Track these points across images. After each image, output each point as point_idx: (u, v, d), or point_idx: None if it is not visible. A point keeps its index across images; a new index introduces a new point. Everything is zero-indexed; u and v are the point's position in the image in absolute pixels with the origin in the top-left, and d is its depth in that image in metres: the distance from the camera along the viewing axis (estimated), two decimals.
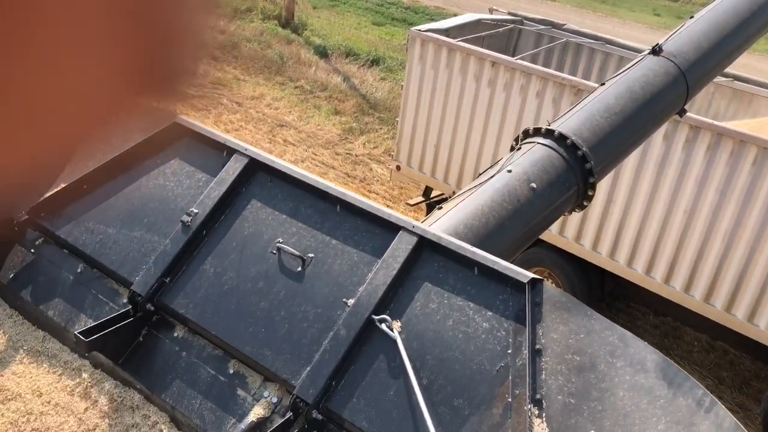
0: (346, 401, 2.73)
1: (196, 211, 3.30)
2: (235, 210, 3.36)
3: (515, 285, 2.79)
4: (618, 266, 8.44)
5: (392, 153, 11.15)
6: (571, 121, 4.02)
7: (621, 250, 8.36)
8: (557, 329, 2.70)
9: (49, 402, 3.00)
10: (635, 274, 8.33)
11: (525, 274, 2.79)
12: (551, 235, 8.67)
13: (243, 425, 2.78)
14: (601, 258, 8.54)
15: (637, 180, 8.05)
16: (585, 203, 4.10)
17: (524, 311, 2.72)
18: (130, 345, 3.13)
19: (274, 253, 3.14)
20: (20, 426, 2.90)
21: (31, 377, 3.10)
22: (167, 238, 3.29)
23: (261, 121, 14.36)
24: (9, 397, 3.01)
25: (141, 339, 3.15)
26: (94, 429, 2.91)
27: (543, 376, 2.59)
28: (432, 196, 10.46)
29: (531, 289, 2.75)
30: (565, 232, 8.73)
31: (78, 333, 2.95)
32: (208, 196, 3.36)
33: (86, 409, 2.98)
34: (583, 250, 8.65)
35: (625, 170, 8.04)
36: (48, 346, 3.25)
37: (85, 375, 3.10)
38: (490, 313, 2.81)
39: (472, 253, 2.92)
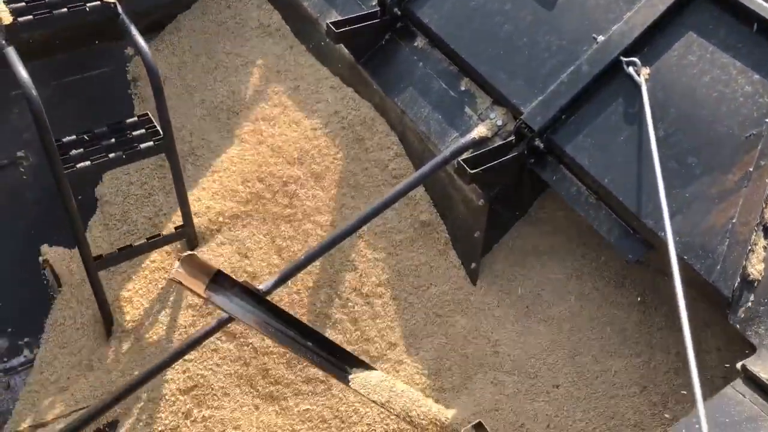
0: (572, 136, 2.67)
1: None
2: None
3: None
4: None
5: None
6: None
7: None
8: None
9: None
10: None
11: None
12: None
13: (464, 140, 2.86)
14: None
15: None
16: None
17: None
18: (372, 47, 3.26)
19: None
20: None
21: None
22: None
23: None
24: None
25: (383, 43, 3.26)
26: None
27: None
28: None
29: None
30: None
31: (330, 23, 3.11)
32: None
33: None
34: None
35: None
36: None
37: None
38: (757, 77, 2.48)
39: (758, 6, 2.52)
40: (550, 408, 2.74)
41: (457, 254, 3.12)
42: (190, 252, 2.31)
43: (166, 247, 3.13)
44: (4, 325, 2.96)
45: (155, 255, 3.14)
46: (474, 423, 2.05)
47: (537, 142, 2.70)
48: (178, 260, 2.25)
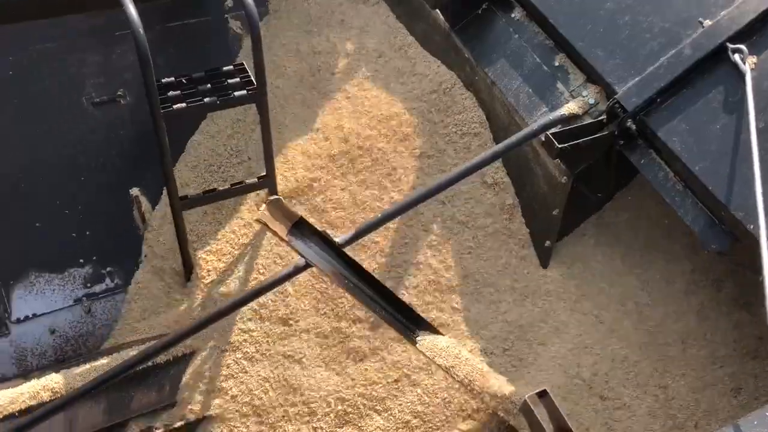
0: (666, 121, 2.61)
1: None
2: None
3: None
4: None
5: None
6: None
7: None
8: None
9: None
10: None
11: None
12: None
13: (553, 115, 2.83)
14: None
15: None
16: None
17: None
18: (468, 15, 3.25)
19: None
20: None
21: None
22: None
23: None
24: None
25: (479, 12, 3.24)
26: None
27: None
28: None
29: None
30: None
31: None
32: None
33: None
34: None
35: None
36: None
37: None
38: None
39: None
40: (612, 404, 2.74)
41: (531, 234, 3.10)
42: (276, 196, 2.37)
43: (250, 204, 3.22)
44: (90, 253, 3.11)
45: (241, 208, 3.22)
46: (539, 390, 2.06)
47: (629, 123, 2.65)
48: (265, 203, 2.32)
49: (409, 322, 2.53)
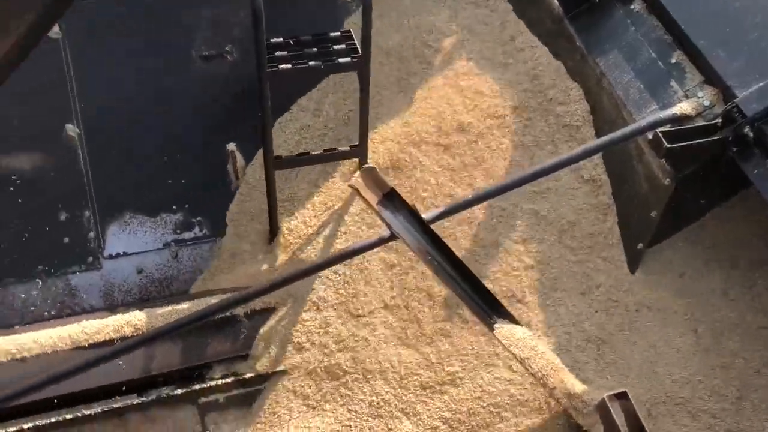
0: None
1: None
2: None
3: None
4: None
5: None
6: None
7: None
8: None
9: None
10: None
11: None
12: None
13: (664, 114, 2.71)
14: None
15: None
16: None
17: None
18: (584, 2, 3.15)
19: None
20: None
21: None
22: None
23: None
24: None
25: (597, 0, 3.13)
26: None
27: None
28: None
29: None
30: None
31: None
32: None
33: None
34: None
35: None
36: None
37: None
38: None
39: None
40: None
41: (623, 236, 3.00)
42: (371, 165, 2.38)
43: (342, 172, 3.24)
44: (182, 201, 3.21)
45: (332, 175, 3.25)
46: (618, 391, 1.99)
47: (746, 130, 2.51)
48: (359, 170, 2.33)
49: (488, 308, 2.49)
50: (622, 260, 3.01)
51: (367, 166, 2.39)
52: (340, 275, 3.04)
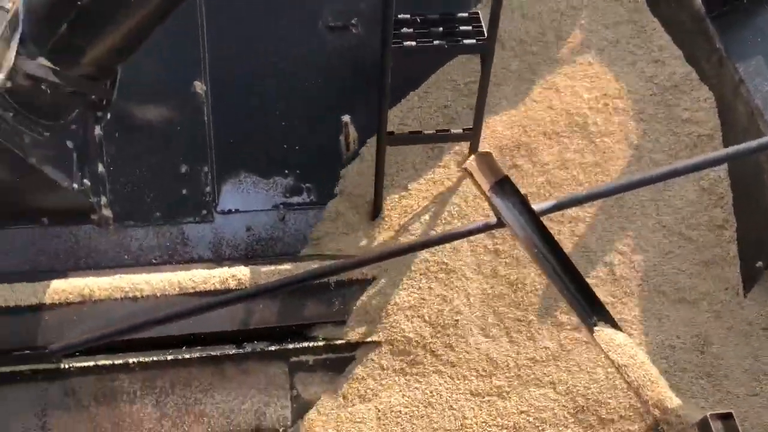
0: None
1: None
2: None
3: None
4: None
5: None
6: None
7: None
8: None
9: None
10: None
11: None
12: None
13: None
14: None
15: None
16: None
17: None
18: (730, 2, 2.98)
19: None
20: None
21: None
22: None
23: None
24: None
25: (745, 1, 2.95)
26: None
27: None
28: None
29: None
30: None
31: None
32: None
33: None
34: None
35: None
36: None
37: None
38: None
39: None
40: None
41: (740, 252, 2.84)
42: (487, 150, 2.35)
43: (453, 155, 3.23)
44: (294, 167, 3.29)
45: (444, 156, 3.24)
46: (724, 412, 1.90)
47: None
48: (475, 153, 2.31)
49: (590, 309, 2.42)
50: (736, 276, 2.86)
51: (483, 151, 2.37)
52: (438, 259, 3.04)
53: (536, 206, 2.49)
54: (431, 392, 2.96)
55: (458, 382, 2.97)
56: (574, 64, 3.34)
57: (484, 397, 2.95)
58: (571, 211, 3.02)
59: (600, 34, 3.37)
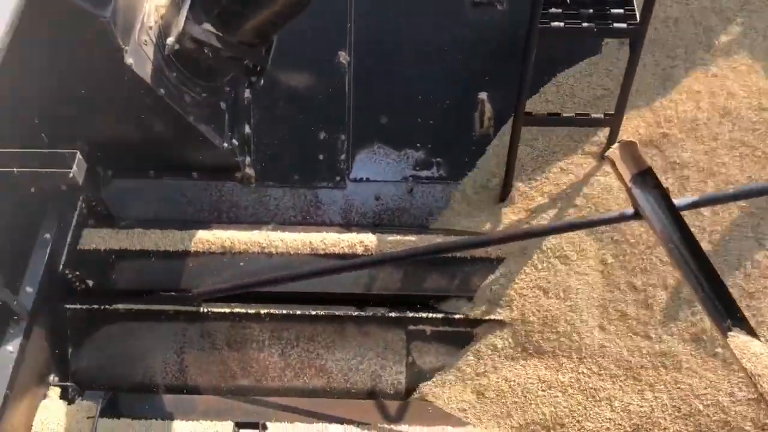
0: None
1: None
2: None
3: None
4: None
5: None
6: None
7: None
8: None
9: None
10: None
11: None
12: None
13: None
14: None
15: None
16: None
17: None
18: None
19: None
20: None
21: None
22: None
23: None
24: None
25: None
26: None
27: None
28: None
29: None
30: None
31: None
32: None
33: None
34: None
35: None
36: None
37: None
38: None
39: None
40: None
41: None
42: (632, 140, 2.30)
43: (591, 141, 3.16)
44: (426, 140, 3.33)
45: (582, 141, 3.19)
46: None
47: None
48: (620, 142, 2.27)
49: (726, 312, 2.33)
50: None
51: (627, 140, 2.31)
52: (565, 247, 3.01)
53: (677, 201, 2.42)
54: (538, 378, 2.96)
55: (566, 373, 2.95)
56: (727, 62, 3.19)
57: (587, 393, 2.92)
58: (709, 210, 2.89)
59: (758, 34, 3.19)
